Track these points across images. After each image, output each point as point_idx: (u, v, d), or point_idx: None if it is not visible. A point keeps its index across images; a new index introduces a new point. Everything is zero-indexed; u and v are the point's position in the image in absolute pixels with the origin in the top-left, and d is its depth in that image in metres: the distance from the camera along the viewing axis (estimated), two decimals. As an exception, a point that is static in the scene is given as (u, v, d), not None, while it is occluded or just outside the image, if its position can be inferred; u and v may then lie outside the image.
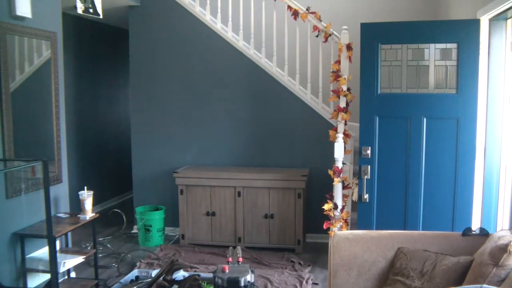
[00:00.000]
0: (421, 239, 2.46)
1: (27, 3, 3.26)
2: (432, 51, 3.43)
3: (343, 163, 3.82)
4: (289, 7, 4.67)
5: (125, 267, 4.17)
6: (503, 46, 3.27)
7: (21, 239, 3.21)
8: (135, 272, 3.71)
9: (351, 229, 3.92)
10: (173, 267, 3.21)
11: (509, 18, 3.19)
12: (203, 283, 3.24)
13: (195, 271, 3.64)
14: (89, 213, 3.54)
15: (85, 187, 3.58)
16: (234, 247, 3.17)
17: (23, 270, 3.24)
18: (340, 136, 3.79)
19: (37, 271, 3.29)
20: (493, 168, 3.36)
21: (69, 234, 3.69)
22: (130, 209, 5.41)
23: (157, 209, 4.96)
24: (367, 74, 3.49)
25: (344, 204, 3.83)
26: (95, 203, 3.71)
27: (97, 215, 3.64)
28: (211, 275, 2.98)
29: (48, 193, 2.79)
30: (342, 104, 4.14)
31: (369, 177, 3.49)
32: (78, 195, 3.57)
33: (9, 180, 3.16)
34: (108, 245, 4.78)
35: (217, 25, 4.95)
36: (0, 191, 3.11)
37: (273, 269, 4.06)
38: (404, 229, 3.36)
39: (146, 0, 5.08)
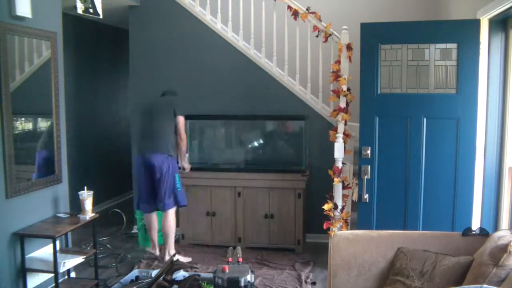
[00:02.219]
0: (421, 239, 2.46)
1: (27, 3, 3.25)
2: (432, 51, 3.43)
3: (343, 163, 3.82)
4: (289, 7, 4.67)
5: (125, 267, 4.17)
6: (503, 46, 3.27)
7: (21, 239, 3.21)
8: (135, 272, 3.70)
9: (351, 229, 3.92)
10: (173, 267, 3.21)
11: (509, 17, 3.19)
12: (203, 283, 3.23)
13: (195, 271, 3.64)
14: (89, 213, 3.54)
15: (85, 187, 3.58)
16: (234, 247, 3.17)
17: (23, 270, 3.24)
18: (340, 136, 3.79)
19: (37, 271, 3.29)
20: (493, 168, 3.36)
21: (69, 234, 3.69)
22: (130, 209, 5.41)
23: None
24: (367, 74, 3.49)
25: (344, 204, 3.83)
26: (95, 203, 3.70)
27: (97, 215, 3.64)
28: (211, 275, 2.98)
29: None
30: (342, 104, 4.14)
31: (369, 177, 3.49)
32: (78, 195, 3.56)
33: (9, 180, 3.16)
34: (108, 245, 4.78)
35: (217, 25, 4.94)
36: (0, 191, 3.11)
37: (272, 269, 4.06)
38: (404, 229, 3.36)
39: (146, 0, 5.08)
